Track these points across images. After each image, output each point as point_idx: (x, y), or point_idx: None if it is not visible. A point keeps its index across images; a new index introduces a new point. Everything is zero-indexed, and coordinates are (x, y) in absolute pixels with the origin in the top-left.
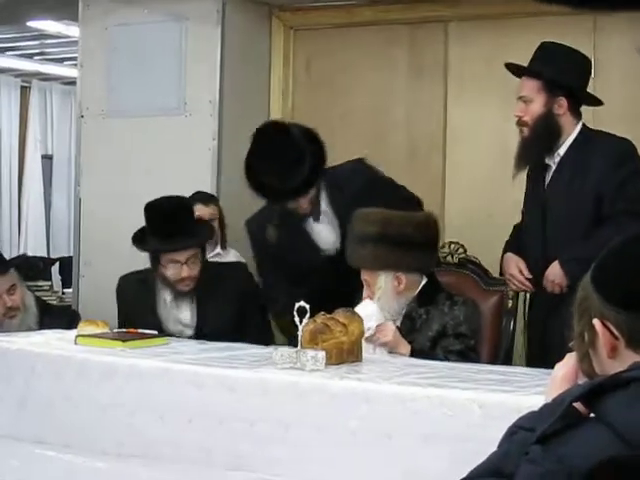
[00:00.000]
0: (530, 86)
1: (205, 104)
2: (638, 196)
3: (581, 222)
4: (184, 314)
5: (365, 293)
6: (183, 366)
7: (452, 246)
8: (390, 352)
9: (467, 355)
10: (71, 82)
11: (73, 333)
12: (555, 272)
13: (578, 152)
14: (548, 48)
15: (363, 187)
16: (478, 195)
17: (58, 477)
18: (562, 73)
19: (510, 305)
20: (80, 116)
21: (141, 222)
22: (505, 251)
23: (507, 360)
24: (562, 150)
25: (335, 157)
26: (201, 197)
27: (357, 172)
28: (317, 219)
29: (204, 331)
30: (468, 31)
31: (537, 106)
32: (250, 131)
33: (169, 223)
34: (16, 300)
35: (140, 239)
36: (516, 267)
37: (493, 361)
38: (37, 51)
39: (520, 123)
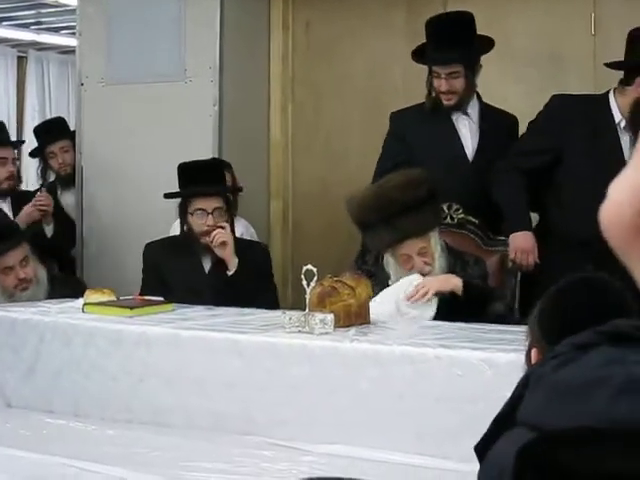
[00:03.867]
0: None
1: (205, 70)
2: None
3: None
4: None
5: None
6: (191, 332)
7: (452, 207)
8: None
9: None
10: (68, 51)
11: (80, 301)
12: None
13: None
14: None
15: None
16: None
17: (69, 445)
18: None
19: (511, 265)
20: (80, 84)
21: (144, 188)
22: (516, 220)
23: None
24: None
25: (333, 121)
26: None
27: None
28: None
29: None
30: None
31: None
32: (251, 96)
33: (200, 173)
34: (29, 272)
35: (171, 194)
36: (534, 251)
37: None
38: (33, 20)
39: None
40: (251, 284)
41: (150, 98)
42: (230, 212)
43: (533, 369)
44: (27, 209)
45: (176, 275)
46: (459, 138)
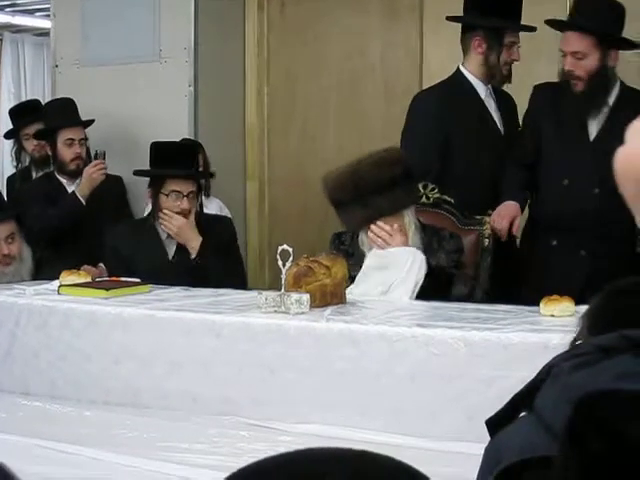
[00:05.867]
0: (583, 42)
1: (180, 51)
2: None
3: None
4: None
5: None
6: (167, 313)
7: (427, 187)
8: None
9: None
10: (43, 33)
11: (56, 283)
12: None
13: (627, 104)
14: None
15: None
16: None
17: (46, 427)
18: (611, 25)
19: (487, 244)
20: (54, 66)
21: (117, 169)
22: (506, 194)
23: (487, 297)
24: (611, 99)
25: (309, 102)
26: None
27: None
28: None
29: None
30: None
31: (592, 61)
32: (226, 77)
33: (176, 156)
34: (13, 249)
35: (146, 173)
36: (511, 217)
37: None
38: (8, 2)
39: (573, 77)
40: (216, 261)
41: (125, 79)
42: (200, 195)
43: (557, 361)
44: (86, 176)
45: (139, 260)
46: (491, 114)
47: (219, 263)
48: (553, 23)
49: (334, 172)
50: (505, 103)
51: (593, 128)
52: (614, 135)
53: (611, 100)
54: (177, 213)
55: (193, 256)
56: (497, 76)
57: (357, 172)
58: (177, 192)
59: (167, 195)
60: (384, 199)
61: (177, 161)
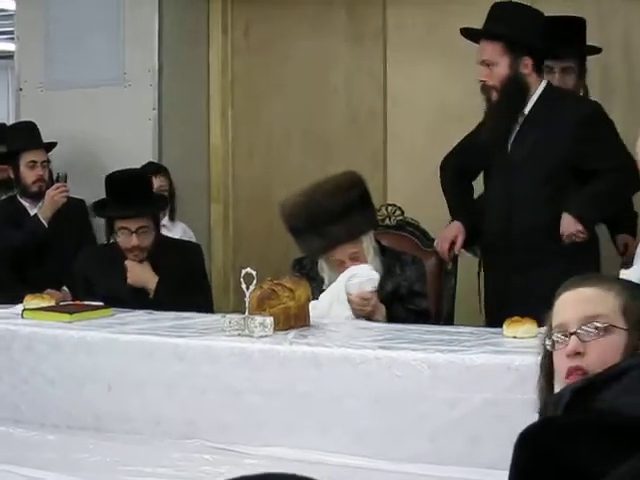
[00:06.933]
0: (492, 49)
1: (144, 74)
2: (617, 152)
3: (550, 181)
4: None
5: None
6: (131, 336)
7: (389, 208)
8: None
9: (422, 315)
10: (7, 56)
11: (19, 307)
12: (568, 223)
13: (544, 110)
14: (502, 8)
15: None
16: (420, 161)
17: (10, 452)
18: (523, 32)
19: (450, 267)
20: (18, 89)
21: (81, 193)
22: (454, 217)
23: (449, 320)
24: (526, 109)
25: (274, 124)
26: (149, 168)
27: None
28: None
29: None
30: None
31: (502, 69)
32: (190, 100)
33: (124, 192)
34: None
35: (100, 207)
36: (451, 238)
37: (436, 321)
38: None
39: (486, 88)
40: (175, 299)
41: (89, 103)
42: (158, 227)
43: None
44: (48, 199)
45: (103, 287)
46: None
47: (177, 299)
48: (466, 32)
49: (290, 199)
50: None
51: (510, 138)
52: (523, 144)
53: (527, 108)
54: (130, 249)
55: (150, 296)
56: None
57: (312, 200)
58: (125, 229)
59: (117, 234)
60: (339, 227)
61: (127, 196)
